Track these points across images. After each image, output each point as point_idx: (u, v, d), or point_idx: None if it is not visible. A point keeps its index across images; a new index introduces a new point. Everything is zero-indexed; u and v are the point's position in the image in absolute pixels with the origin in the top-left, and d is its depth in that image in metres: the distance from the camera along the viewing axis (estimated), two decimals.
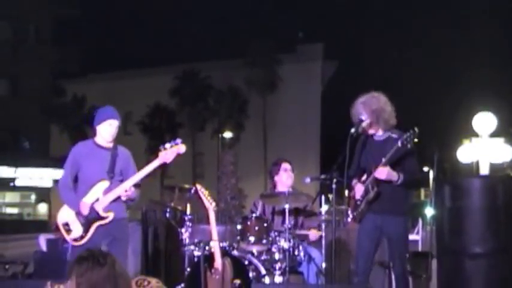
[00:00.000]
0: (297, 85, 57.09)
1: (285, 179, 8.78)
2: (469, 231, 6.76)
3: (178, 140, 7.45)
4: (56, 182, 45.96)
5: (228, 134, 55.97)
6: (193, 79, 56.97)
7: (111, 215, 7.44)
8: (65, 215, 7.58)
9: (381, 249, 7.69)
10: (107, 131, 7.62)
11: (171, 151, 7.37)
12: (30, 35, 53.73)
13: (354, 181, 7.36)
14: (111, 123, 7.62)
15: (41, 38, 53.90)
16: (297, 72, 57.19)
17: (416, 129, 6.91)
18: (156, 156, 7.44)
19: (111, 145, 7.70)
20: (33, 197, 54.99)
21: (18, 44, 51.89)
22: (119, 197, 7.49)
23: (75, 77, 58.89)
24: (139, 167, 7.60)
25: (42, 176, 51.82)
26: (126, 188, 7.43)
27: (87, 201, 7.45)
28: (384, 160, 7.05)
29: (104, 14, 65.46)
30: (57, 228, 7.69)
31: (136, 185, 7.57)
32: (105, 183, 7.48)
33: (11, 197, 55.08)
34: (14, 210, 55.12)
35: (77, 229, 7.48)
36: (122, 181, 7.54)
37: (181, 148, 7.39)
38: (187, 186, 8.87)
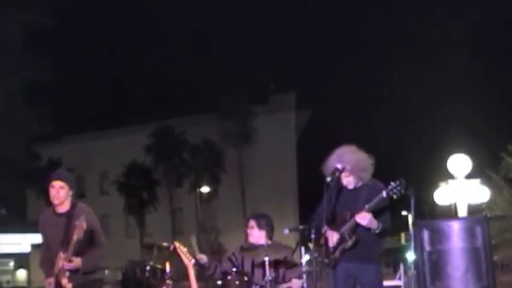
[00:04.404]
0: (272, 135, 57.21)
1: (249, 237, 8.75)
2: (450, 274, 6.75)
3: (83, 216, 7.11)
4: (34, 246, 45.76)
5: (205, 189, 55.84)
6: (167, 135, 56.95)
7: (69, 286, 7.27)
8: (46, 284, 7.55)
9: None
10: (51, 194, 7.47)
11: (78, 228, 7.08)
12: (2, 100, 53.62)
13: (325, 228, 7.32)
14: (52, 185, 7.46)
15: (13, 103, 53.79)
16: (271, 122, 57.36)
17: (403, 180, 6.91)
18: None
19: (66, 208, 7.53)
20: (11, 263, 54.35)
21: None
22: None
23: (49, 140, 58.67)
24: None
25: (20, 242, 51.27)
26: (65, 262, 7.24)
27: (54, 272, 7.39)
28: (367, 206, 7.05)
29: (75, 76, 65.52)
30: None
31: (85, 245, 7.34)
32: (61, 255, 7.31)
33: None
34: None
35: None
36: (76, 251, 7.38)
37: (83, 225, 7.06)
38: (165, 244, 8.82)
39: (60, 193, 7.46)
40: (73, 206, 7.55)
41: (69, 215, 7.46)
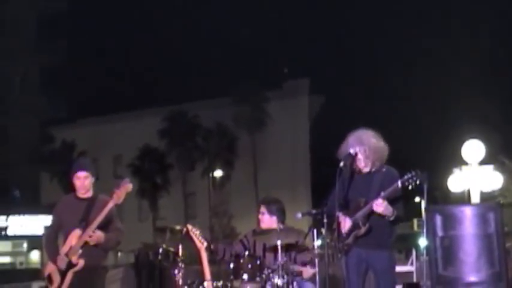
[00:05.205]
0: (285, 121, 57.15)
1: (261, 222, 8.76)
2: (462, 259, 6.75)
3: (127, 179, 7.67)
4: (47, 228, 45.91)
5: (218, 173, 55.92)
6: (181, 119, 56.96)
7: (81, 262, 7.50)
8: (49, 266, 7.72)
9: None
10: (76, 184, 7.78)
11: (120, 191, 7.44)
12: (17, 83, 53.75)
13: (338, 214, 7.33)
14: (78, 176, 7.76)
15: (28, 87, 53.91)
16: (284, 108, 57.27)
17: (418, 171, 6.91)
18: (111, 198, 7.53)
19: (89, 195, 7.82)
20: (25, 245, 54.63)
21: (4, 94, 51.85)
22: (94, 244, 7.53)
23: (63, 123, 58.79)
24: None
25: (34, 224, 51.52)
26: (89, 234, 7.45)
27: (62, 251, 7.58)
28: (382, 194, 7.05)
29: (89, 59, 65.59)
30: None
31: (104, 229, 7.58)
32: (77, 232, 7.54)
33: (2, 246, 54.70)
34: (7, 260, 54.67)
35: (56, 279, 7.61)
36: (97, 229, 7.55)
37: (129, 187, 7.55)
38: (178, 227, 8.86)
39: (85, 183, 7.80)
40: (96, 194, 7.87)
41: (92, 200, 7.76)
